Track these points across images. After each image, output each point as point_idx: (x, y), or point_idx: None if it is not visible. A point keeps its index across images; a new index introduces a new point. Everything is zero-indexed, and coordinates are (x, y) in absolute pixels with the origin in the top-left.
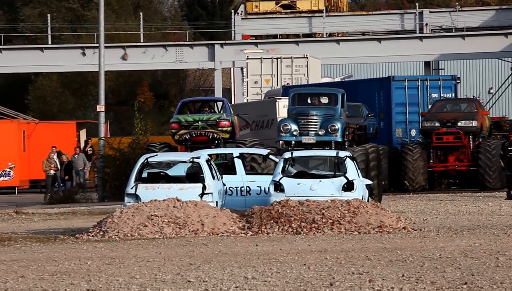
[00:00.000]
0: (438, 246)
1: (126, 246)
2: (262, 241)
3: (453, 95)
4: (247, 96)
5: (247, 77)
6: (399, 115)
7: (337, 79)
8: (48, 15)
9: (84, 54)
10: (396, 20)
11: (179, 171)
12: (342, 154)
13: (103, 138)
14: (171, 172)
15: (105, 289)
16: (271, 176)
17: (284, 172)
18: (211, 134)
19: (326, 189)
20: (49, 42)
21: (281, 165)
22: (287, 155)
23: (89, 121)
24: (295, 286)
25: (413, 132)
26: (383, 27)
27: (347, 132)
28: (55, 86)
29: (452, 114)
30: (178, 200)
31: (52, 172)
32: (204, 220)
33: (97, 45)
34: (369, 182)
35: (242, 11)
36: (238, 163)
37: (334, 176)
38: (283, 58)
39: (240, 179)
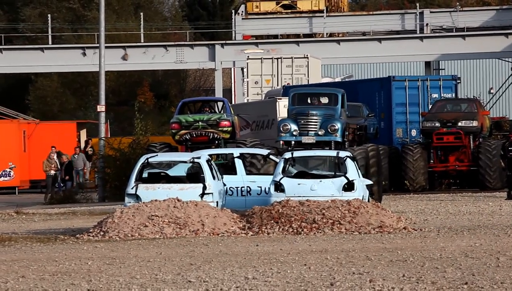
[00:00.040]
0: (438, 246)
1: (126, 246)
2: (262, 241)
3: (453, 95)
4: (248, 96)
5: (247, 77)
6: (400, 115)
7: (338, 79)
8: (49, 15)
9: (84, 54)
10: (396, 20)
11: (180, 171)
12: (343, 154)
13: (103, 138)
14: (172, 172)
15: (105, 289)
16: (272, 176)
17: (285, 172)
18: (211, 134)
19: (326, 189)
20: (50, 42)
21: (281, 165)
22: (288, 155)
23: (89, 121)
24: (295, 286)
25: (414, 133)
26: (384, 27)
27: (347, 133)
28: (55, 86)
29: (453, 114)
30: (178, 200)
31: (52, 172)
32: (205, 220)
33: (98, 45)
34: (369, 182)
35: (242, 11)
36: (239, 163)
37: (334, 176)
38: (284, 58)
39: (240, 179)
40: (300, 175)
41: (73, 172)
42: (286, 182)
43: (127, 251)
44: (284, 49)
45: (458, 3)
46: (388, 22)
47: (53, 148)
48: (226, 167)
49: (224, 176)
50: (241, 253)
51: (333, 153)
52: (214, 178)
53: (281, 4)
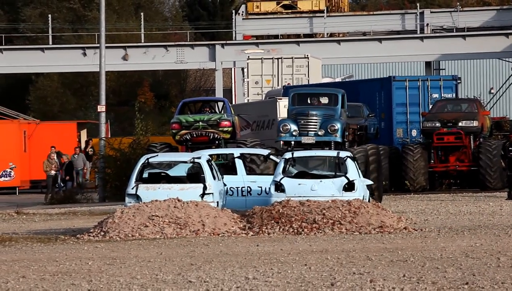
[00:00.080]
0: (439, 246)
1: (127, 246)
2: (263, 241)
3: (454, 95)
4: (248, 96)
5: (248, 78)
6: (400, 115)
7: (338, 80)
8: (49, 15)
9: (85, 54)
10: (397, 20)
11: (180, 171)
12: (343, 154)
13: (103, 138)
14: (172, 172)
15: (106, 290)
16: (272, 176)
17: (285, 172)
18: (211, 134)
19: (327, 189)
20: (50, 42)
21: (282, 165)
22: (288, 155)
23: (89, 121)
24: (296, 286)
25: (414, 133)
26: (384, 27)
27: (347, 133)
28: (55, 86)
29: (453, 114)
30: (179, 200)
31: (53, 172)
32: (205, 220)
33: (98, 45)
34: (369, 182)
35: (243, 12)
36: (239, 163)
37: (335, 176)
38: (284, 58)
39: (241, 179)
40: (301, 175)
41: (74, 172)
42: (286, 182)
43: (128, 251)
44: (285, 49)
45: (458, 3)
46: (389, 22)
47: (53, 148)
48: (226, 167)
49: (225, 176)
50: (241, 253)
51: (333, 153)
52: (214, 178)
53: (281, 4)
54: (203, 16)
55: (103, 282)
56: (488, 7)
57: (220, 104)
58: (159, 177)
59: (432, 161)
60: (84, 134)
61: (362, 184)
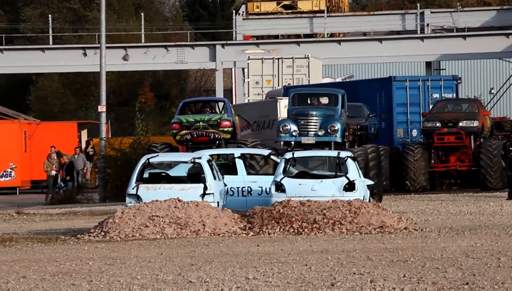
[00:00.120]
0: (439, 246)
1: (127, 246)
2: (263, 242)
3: (454, 95)
4: (248, 96)
5: (248, 78)
6: (400, 115)
7: (338, 80)
8: (49, 15)
9: (85, 54)
10: (397, 20)
11: (180, 171)
12: (343, 154)
13: (104, 138)
14: (172, 172)
15: (106, 290)
16: (272, 176)
17: (286, 172)
18: (212, 134)
19: (327, 189)
20: (50, 42)
21: (282, 165)
22: (289, 155)
23: (90, 121)
24: (296, 287)
25: (414, 133)
26: (384, 28)
27: (347, 133)
28: (56, 86)
29: (453, 114)
30: (179, 200)
31: (53, 173)
32: (206, 220)
33: (98, 45)
34: (370, 182)
35: (243, 12)
36: (239, 163)
37: (335, 176)
38: (284, 58)
39: (241, 179)
40: (301, 175)
41: (74, 172)
42: (287, 182)
43: (128, 251)
44: (285, 50)
45: (458, 3)
46: (389, 22)
47: (53, 148)
48: (227, 167)
49: (225, 176)
50: (242, 253)
51: (334, 153)
52: (215, 178)
53: (281, 4)
54: (204, 16)
55: (104, 282)
56: (488, 7)
57: (221, 104)
58: (160, 177)
59: (433, 161)
60: (84, 134)
61: (362, 184)
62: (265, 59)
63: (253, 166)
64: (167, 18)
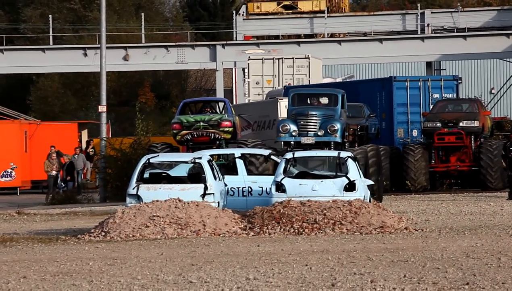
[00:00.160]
0: (440, 247)
1: (127, 246)
2: (263, 242)
3: (454, 95)
4: (249, 96)
5: (248, 78)
6: (401, 115)
7: (339, 80)
8: (50, 15)
9: (85, 54)
10: (397, 20)
11: (181, 171)
12: (344, 154)
13: (104, 139)
14: (173, 173)
15: (106, 290)
16: (273, 177)
17: (286, 172)
18: (212, 134)
19: (327, 189)
20: (51, 42)
21: (282, 165)
22: (289, 155)
23: (90, 122)
24: (296, 287)
25: (415, 133)
26: (385, 28)
27: (347, 133)
28: (56, 87)
29: (454, 114)
30: (179, 200)
31: (54, 173)
32: (206, 220)
33: (99, 46)
34: (370, 182)
35: (243, 12)
36: (240, 164)
37: (335, 176)
38: (285, 58)
39: (241, 179)
40: (301, 175)
41: (74, 172)
42: (287, 182)
43: (128, 251)
44: (285, 50)
45: (459, 4)
46: (389, 22)
47: (52, 148)
48: (227, 167)
49: (225, 176)
50: (242, 253)
51: (334, 153)
52: (215, 178)
53: (282, 4)
54: (204, 17)
55: (104, 283)
56: (488, 7)
57: (221, 104)
58: (160, 177)
59: (433, 161)
60: (85, 134)
61: (363, 184)
62: (265, 59)
63: (253, 166)
64: (168, 19)
